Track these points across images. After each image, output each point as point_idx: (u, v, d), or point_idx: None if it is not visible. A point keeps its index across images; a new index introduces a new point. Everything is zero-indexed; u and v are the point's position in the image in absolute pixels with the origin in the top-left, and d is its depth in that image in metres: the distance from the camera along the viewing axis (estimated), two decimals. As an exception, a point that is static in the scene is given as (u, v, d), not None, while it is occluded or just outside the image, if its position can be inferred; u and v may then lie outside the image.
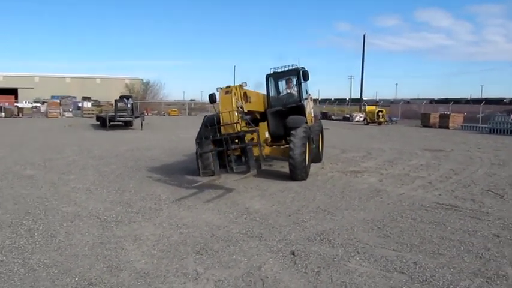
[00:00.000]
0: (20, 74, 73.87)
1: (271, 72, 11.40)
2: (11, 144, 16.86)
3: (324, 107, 57.68)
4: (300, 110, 10.74)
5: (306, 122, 10.12)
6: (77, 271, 4.42)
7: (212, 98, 9.25)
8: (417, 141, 19.79)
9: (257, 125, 10.45)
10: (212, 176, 8.36)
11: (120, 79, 72.05)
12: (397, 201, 7.74)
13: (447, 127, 29.65)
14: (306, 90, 11.91)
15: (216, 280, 4.23)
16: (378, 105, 38.41)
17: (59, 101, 45.20)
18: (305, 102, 11.26)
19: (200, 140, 8.48)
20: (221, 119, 8.47)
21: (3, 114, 39.19)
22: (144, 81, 61.12)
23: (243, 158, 8.25)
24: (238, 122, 8.32)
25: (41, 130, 25.08)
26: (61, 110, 42.22)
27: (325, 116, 45.83)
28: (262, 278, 4.28)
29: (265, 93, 11.45)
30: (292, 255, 4.90)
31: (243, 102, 9.13)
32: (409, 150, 15.95)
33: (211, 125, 8.86)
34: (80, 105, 48.58)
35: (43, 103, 49.84)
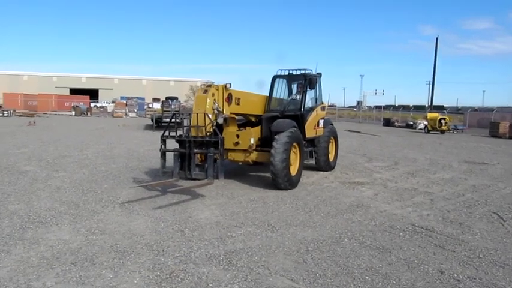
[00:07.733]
0: (101, 75, 79.36)
1: (278, 73, 10.78)
2: (48, 140, 17.83)
3: (400, 113, 54.57)
4: (298, 119, 9.91)
5: (295, 127, 9.26)
6: None
7: None
8: (465, 152, 17.70)
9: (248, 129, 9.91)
10: (171, 177, 7.97)
11: (193, 81, 74.21)
12: (367, 219, 6.72)
13: (518, 138, 26.45)
14: (316, 99, 11.06)
15: (50, 298, 3.80)
16: (440, 112, 35.46)
17: (125, 102, 47.57)
18: (310, 112, 10.45)
19: (166, 137, 8.15)
20: (191, 120, 8.10)
21: (73, 112, 42.20)
22: (208, 83, 62.21)
23: (206, 165, 7.75)
24: (204, 126, 7.83)
25: (93, 128, 26.41)
26: (126, 110, 44.46)
27: (388, 122, 43.41)
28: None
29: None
30: (168, 277, 4.30)
31: (225, 104, 8.64)
32: (445, 161, 14.25)
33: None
34: (150, 106, 50.55)
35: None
